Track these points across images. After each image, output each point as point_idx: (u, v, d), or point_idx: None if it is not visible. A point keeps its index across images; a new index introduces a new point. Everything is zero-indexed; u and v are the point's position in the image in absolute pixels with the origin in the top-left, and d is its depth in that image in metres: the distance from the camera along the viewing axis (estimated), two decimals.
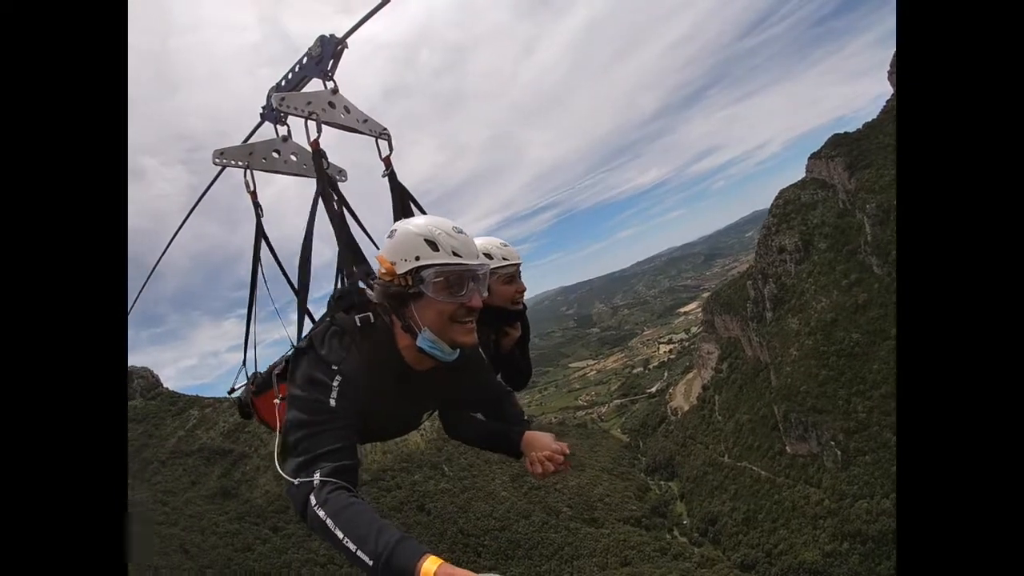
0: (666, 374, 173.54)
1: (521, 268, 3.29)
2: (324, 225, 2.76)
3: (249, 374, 3.29)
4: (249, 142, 3.43)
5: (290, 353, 2.86)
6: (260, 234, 3.46)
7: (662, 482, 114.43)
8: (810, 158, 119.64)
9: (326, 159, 2.97)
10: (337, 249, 2.75)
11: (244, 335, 3.43)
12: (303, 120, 2.93)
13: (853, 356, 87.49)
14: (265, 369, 3.17)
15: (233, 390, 3.32)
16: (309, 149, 3.04)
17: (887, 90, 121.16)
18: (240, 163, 3.40)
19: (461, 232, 2.23)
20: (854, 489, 77.08)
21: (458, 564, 1.61)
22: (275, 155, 3.47)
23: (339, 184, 3.24)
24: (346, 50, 2.92)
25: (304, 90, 3.05)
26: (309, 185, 3.13)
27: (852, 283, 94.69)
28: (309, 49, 2.99)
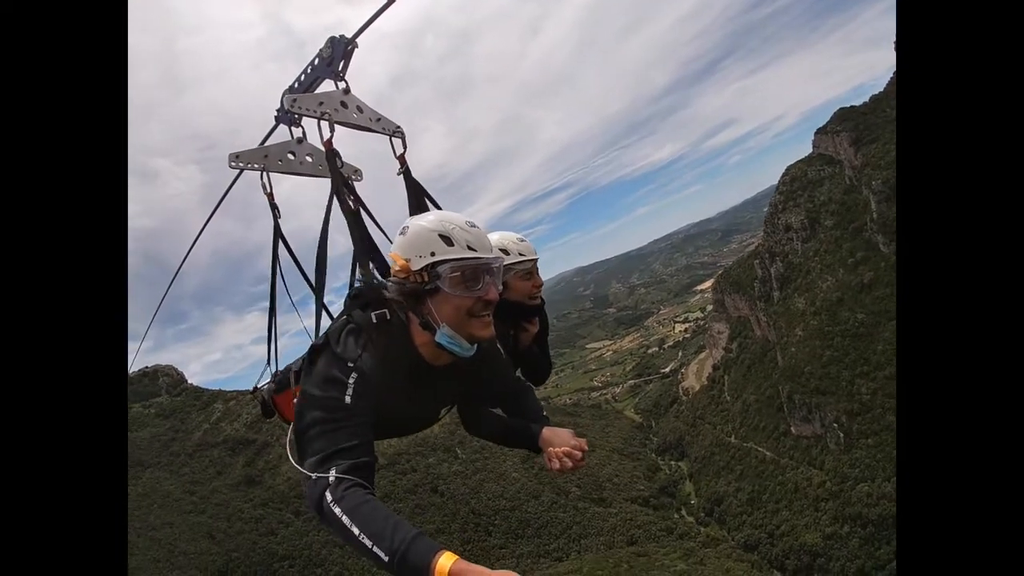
0: (680, 354, 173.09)
1: (538, 261, 3.30)
2: (341, 222, 2.82)
3: (272, 373, 3.34)
4: (264, 145, 3.47)
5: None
6: (278, 235, 3.50)
7: (672, 462, 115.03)
8: (816, 133, 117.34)
9: (340, 158, 3.01)
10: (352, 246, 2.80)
11: (267, 335, 3.48)
12: (316, 121, 2.97)
13: (858, 336, 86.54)
14: (284, 367, 3.24)
15: (256, 389, 3.33)
16: (323, 149, 3.11)
17: (895, 61, 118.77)
18: (256, 166, 3.41)
19: (474, 226, 2.26)
20: (856, 472, 76.85)
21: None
22: (290, 157, 3.50)
23: (354, 183, 3.27)
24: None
25: (316, 91, 3.08)
26: (324, 183, 3.24)
27: (858, 262, 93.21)
28: (320, 50, 3.01)
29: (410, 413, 2.51)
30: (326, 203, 2.85)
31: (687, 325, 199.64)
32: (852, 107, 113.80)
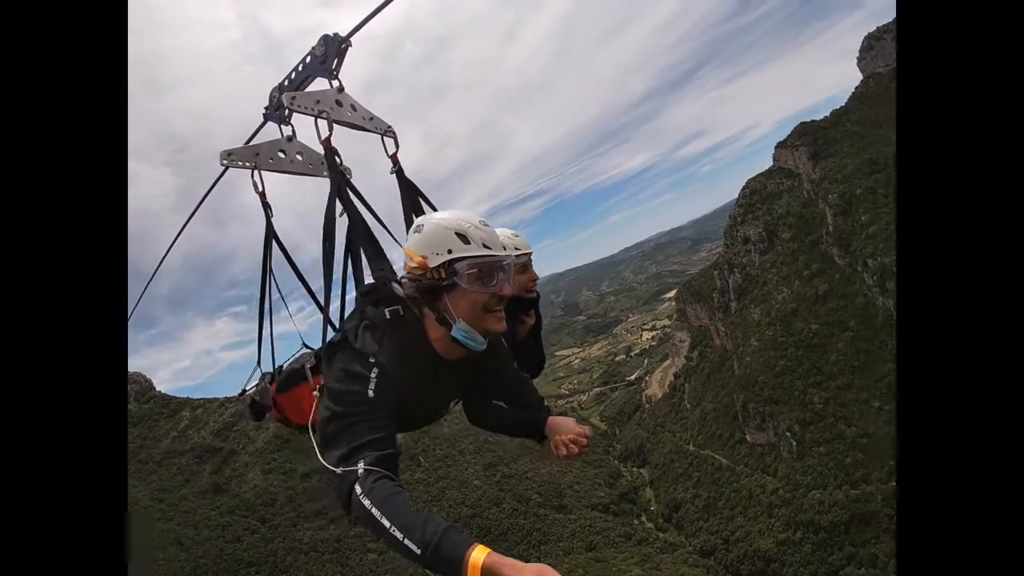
0: (646, 361, 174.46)
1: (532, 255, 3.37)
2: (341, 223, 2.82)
3: (263, 374, 3.32)
4: (253, 143, 3.44)
5: (305, 352, 3.19)
6: (271, 234, 3.49)
7: (634, 469, 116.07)
8: (777, 147, 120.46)
9: (339, 156, 2.99)
10: (347, 245, 2.83)
11: (258, 336, 3.48)
12: (308, 119, 2.97)
13: (811, 347, 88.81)
14: (278, 368, 3.23)
15: (244, 392, 3.28)
16: (313, 148, 3.15)
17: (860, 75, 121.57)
18: (247, 164, 3.39)
19: (487, 225, 2.31)
20: (808, 479, 78.52)
21: None
22: (281, 155, 3.48)
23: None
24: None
25: (310, 89, 3.06)
26: (303, 182, 3.34)
27: (813, 273, 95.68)
28: (312, 48, 3.01)
29: (423, 407, 2.55)
30: (326, 202, 2.84)
31: (654, 333, 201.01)
32: (812, 121, 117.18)
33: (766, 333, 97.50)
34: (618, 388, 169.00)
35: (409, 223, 3.04)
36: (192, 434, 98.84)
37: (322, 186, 3.12)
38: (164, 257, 4.23)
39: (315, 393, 2.45)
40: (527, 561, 1.61)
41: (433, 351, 2.35)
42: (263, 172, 3.44)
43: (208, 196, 3.75)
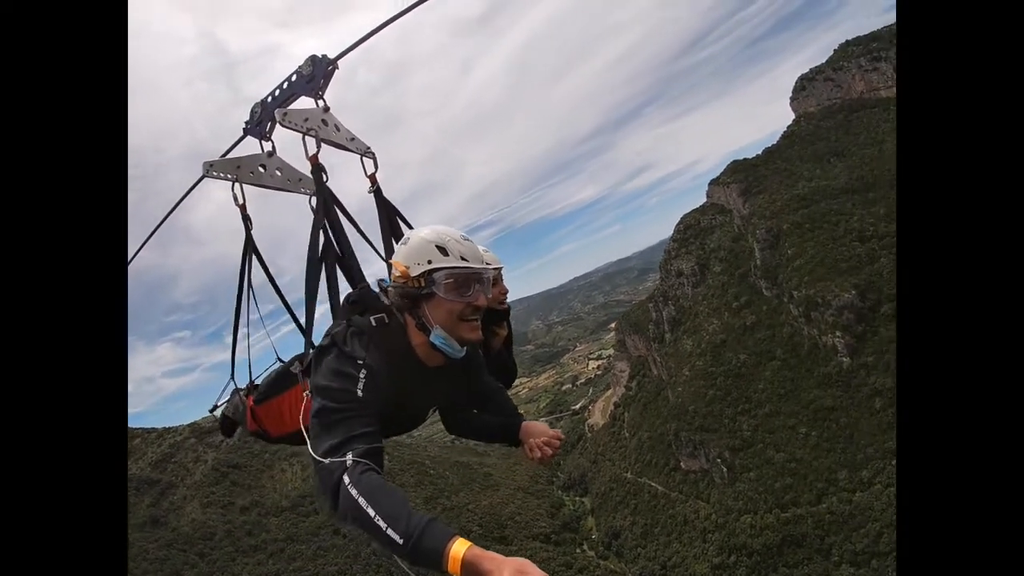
0: (591, 391, 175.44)
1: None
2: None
3: (233, 389, 3.32)
4: (233, 156, 3.47)
5: (278, 366, 3.20)
6: (250, 247, 3.49)
7: (577, 498, 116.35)
8: (710, 184, 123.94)
9: (326, 174, 3.04)
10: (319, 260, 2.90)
11: (231, 349, 3.47)
12: (286, 136, 3.03)
13: (739, 376, 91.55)
14: (251, 383, 3.26)
15: (216, 407, 3.26)
16: (292, 165, 3.24)
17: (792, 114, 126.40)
18: (228, 176, 3.41)
19: (467, 240, 2.40)
20: (739, 504, 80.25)
21: None
22: (261, 170, 3.50)
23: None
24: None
25: (294, 107, 3.12)
26: (277, 195, 3.41)
27: (742, 305, 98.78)
28: (299, 67, 3.07)
29: (405, 411, 2.57)
30: (311, 223, 2.91)
31: (600, 362, 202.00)
32: (745, 160, 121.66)
33: (697, 363, 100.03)
34: (563, 417, 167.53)
35: (387, 241, 3.23)
36: (129, 465, 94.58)
37: (295, 202, 3.33)
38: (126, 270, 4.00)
39: (306, 394, 2.48)
40: None
41: (416, 357, 2.43)
42: (244, 185, 3.47)
43: (148, 214, 3.69)
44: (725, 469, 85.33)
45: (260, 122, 3.26)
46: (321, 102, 3.07)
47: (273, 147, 3.43)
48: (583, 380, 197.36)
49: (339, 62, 3.03)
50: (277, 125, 3.13)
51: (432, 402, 2.76)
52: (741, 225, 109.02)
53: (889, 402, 73.30)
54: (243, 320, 3.43)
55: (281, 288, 3.61)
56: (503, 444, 2.99)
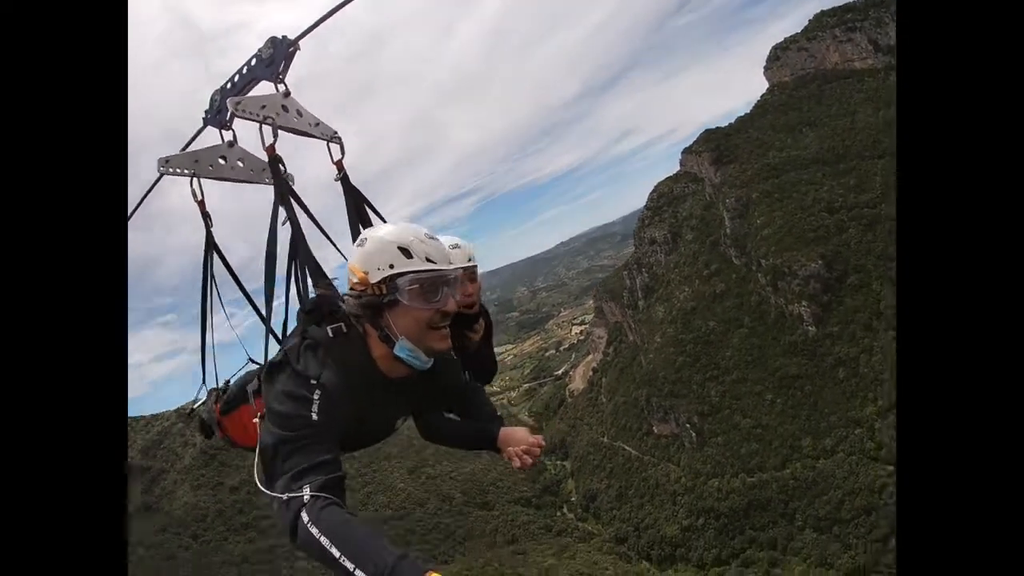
0: (573, 356, 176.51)
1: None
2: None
3: (208, 389, 3.14)
4: (192, 149, 3.29)
5: (255, 368, 2.94)
6: (211, 245, 3.31)
7: (559, 462, 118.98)
8: (683, 152, 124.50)
9: (283, 164, 2.87)
10: (288, 257, 2.76)
11: (201, 351, 3.28)
12: (250, 124, 2.85)
13: (708, 343, 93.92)
14: (225, 383, 3.08)
15: (193, 409, 3.11)
16: (255, 154, 3.07)
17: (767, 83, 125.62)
18: (186, 171, 3.20)
19: (433, 238, 2.23)
20: (708, 468, 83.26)
21: None
22: (221, 162, 3.29)
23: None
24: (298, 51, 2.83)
25: (255, 93, 2.93)
26: (245, 187, 3.22)
27: (712, 273, 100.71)
28: (259, 50, 2.88)
29: (368, 426, 2.44)
30: (270, 213, 2.77)
31: (583, 328, 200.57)
32: (717, 128, 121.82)
33: (668, 330, 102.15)
34: (546, 383, 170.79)
35: (354, 231, 3.04)
36: None
37: (262, 192, 3.06)
38: None
39: (255, 420, 2.38)
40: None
41: (377, 369, 2.27)
42: (203, 180, 3.26)
43: (133, 199, 3.44)
44: (694, 434, 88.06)
45: (220, 111, 3.10)
46: (282, 86, 2.91)
47: (234, 136, 3.26)
48: (566, 346, 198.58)
49: (312, 33, 2.86)
50: None
51: (399, 414, 2.61)
52: (712, 194, 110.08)
53: (852, 372, 75.89)
54: (209, 322, 3.31)
55: (246, 284, 3.46)
56: (483, 450, 2.87)
